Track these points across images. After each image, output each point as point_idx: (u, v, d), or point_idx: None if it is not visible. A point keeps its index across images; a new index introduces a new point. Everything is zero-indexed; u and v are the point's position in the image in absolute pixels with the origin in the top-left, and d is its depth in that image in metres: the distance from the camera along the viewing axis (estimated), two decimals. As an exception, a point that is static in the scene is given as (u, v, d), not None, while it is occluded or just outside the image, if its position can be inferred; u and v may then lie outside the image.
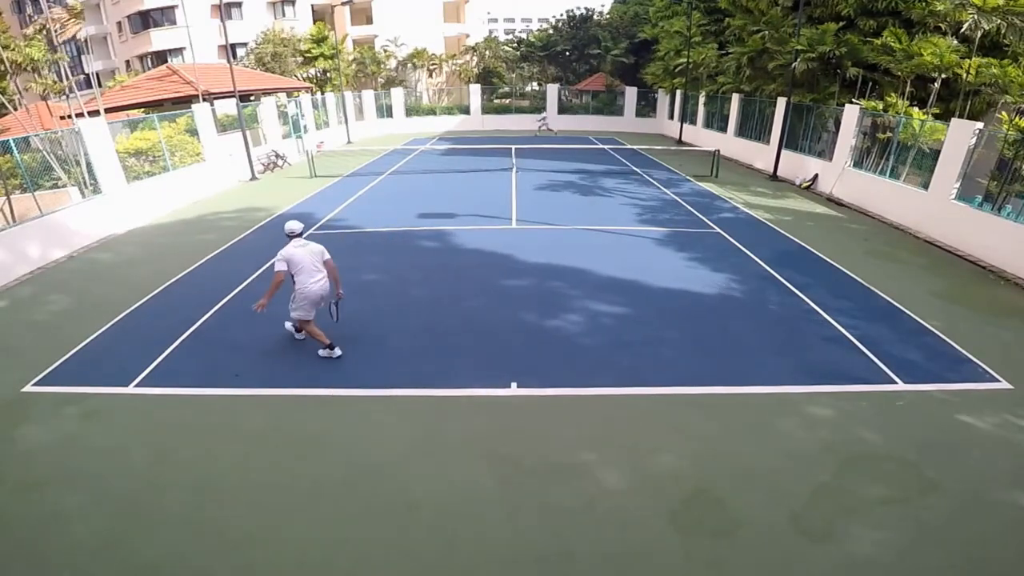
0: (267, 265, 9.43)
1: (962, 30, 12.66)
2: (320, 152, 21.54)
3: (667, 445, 4.93)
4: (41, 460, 4.83)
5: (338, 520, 4.12)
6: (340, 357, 6.30)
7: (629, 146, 23.93)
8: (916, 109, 13.16)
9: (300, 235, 6.20)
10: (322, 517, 4.14)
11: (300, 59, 30.67)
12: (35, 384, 5.98)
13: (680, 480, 4.49)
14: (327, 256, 6.19)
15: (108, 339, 6.99)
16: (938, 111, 13.31)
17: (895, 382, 5.87)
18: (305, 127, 23.05)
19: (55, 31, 14.03)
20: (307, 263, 5.95)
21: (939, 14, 13.05)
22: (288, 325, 6.69)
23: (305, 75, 30.69)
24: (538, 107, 32.60)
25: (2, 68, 14.40)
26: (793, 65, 15.99)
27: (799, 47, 15.75)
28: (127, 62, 39.44)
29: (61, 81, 14.90)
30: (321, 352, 6.34)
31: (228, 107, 18.20)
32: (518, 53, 38.07)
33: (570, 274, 8.88)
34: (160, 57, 35.62)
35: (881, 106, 13.66)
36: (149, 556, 3.82)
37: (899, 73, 13.93)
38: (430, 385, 5.84)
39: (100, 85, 25.78)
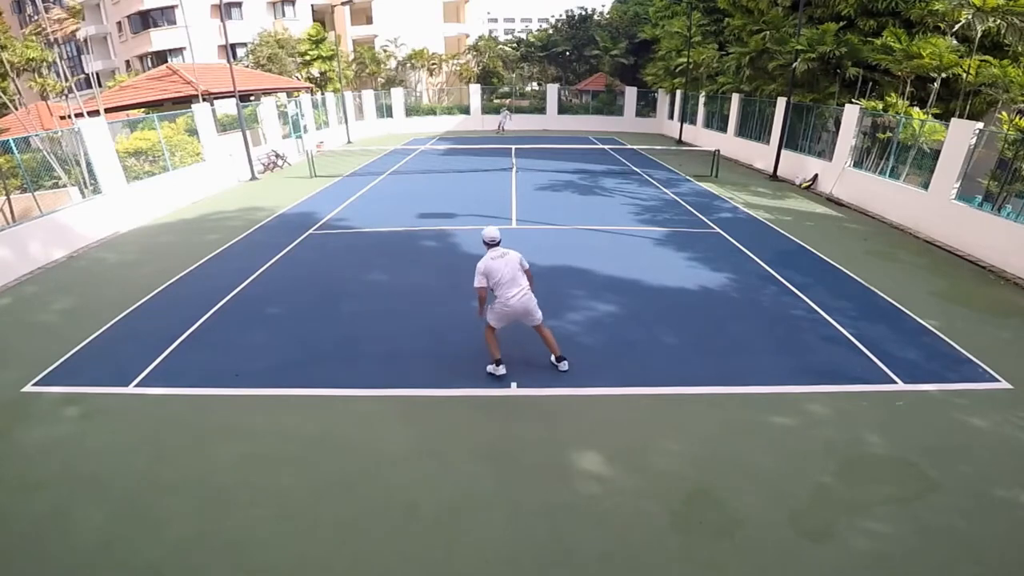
0: (267, 266, 9.44)
1: (955, 29, 12.67)
2: (320, 152, 21.56)
3: (667, 445, 4.93)
4: (41, 460, 4.83)
5: (337, 520, 4.12)
6: (503, 376, 5.86)
7: (629, 146, 23.94)
8: (916, 109, 13.16)
9: (499, 243, 5.66)
10: (322, 517, 4.14)
11: (299, 60, 30.65)
12: (35, 384, 5.98)
13: (680, 480, 4.49)
14: (526, 264, 5.72)
15: (108, 339, 6.99)
16: (938, 111, 13.31)
17: (895, 382, 5.87)
18: (305, 127, 23.05)
19: (52, 31, 14.02)
20: (506, 274, 5.49)
21: (938, 14, 13.05)
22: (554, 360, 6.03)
23: (305, 76, 30.68)
24: (538, 107, 32.60)
25: (1, 69, 14.39)
26: (793, 65, 15.99)
27: (799, 47, 15.76)
28: (127, 62, 39.45)
29: (60, 81, 14.91)
30: (489, 368, 5.93)
31: (228, 107, 18.21)
32: (518, 53, 38.08)
33: (570, 274, 8.88)
34: (160, 57, 35.63)
35: (881, 106, 13.66)
36: (149, 556, 3.82)
37: (899, 73, 13.93)
38: (430, 385, 5.84)
39: (100, 85, 25.78)
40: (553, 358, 6.05)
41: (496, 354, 5.92)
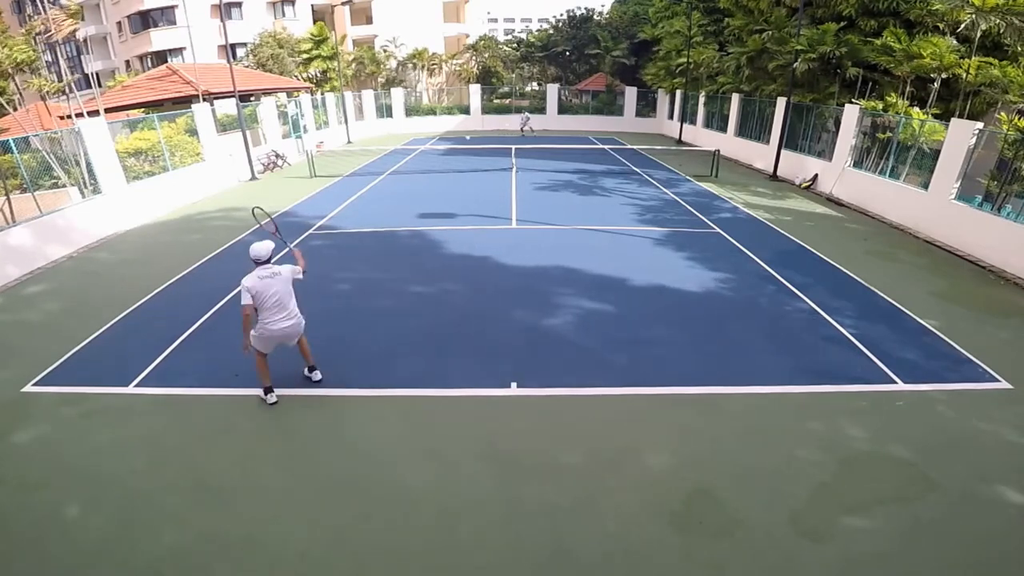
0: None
1: (958, 29, 12.67)
2: (320, 152, 21.55)
3: (667, 445, 4.93)
4: (41, 460, 4.83)
5: (338, 520, 4.12)
6: (275, 404, 5.45)
7: (629, 146, 23.94)
8: (916, 109, 13.16)
9: (267, 261, 5.13)
10: (322, 517, 4.14)
11: (299, 60, 30.64)
12: (35, 384, 5.98)
13: (680, 480, 4.49)
14: (299, 274, 5.34)
15: (108, 339, 6.99)
16: (938, 111, 13.31)
17: (895, 382, 5.88)
18: (305, 127, 23.05)
19: (54, 31, 14.01)
20: (270, 298, 5.01)
21: (938, 14, 13.06)
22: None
23: (305, 75, 30.67)
24: (538, 107, 32.58)
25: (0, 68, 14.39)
26: (793, 65, 15.99)
27: (799, 47, 15.75)
28: (127, 62, 39.43)
29: (57, 81, 14.90)
30: (260, 392, 5.48)
31: (228, 107, 18.20)
32: (518, 53, 38.07)
33: (570, 274, 8.88)
34: (160, 57, 35.61)
35: (881, 106, 13.66)
36: (149, 556, 3.82)
37: (899, 73, 13.93)
38: (430, 385, 5.84)
39: (100, 85, 25.78)
40: (306, 369, 5.81)
41: (266, 381, 5.41)
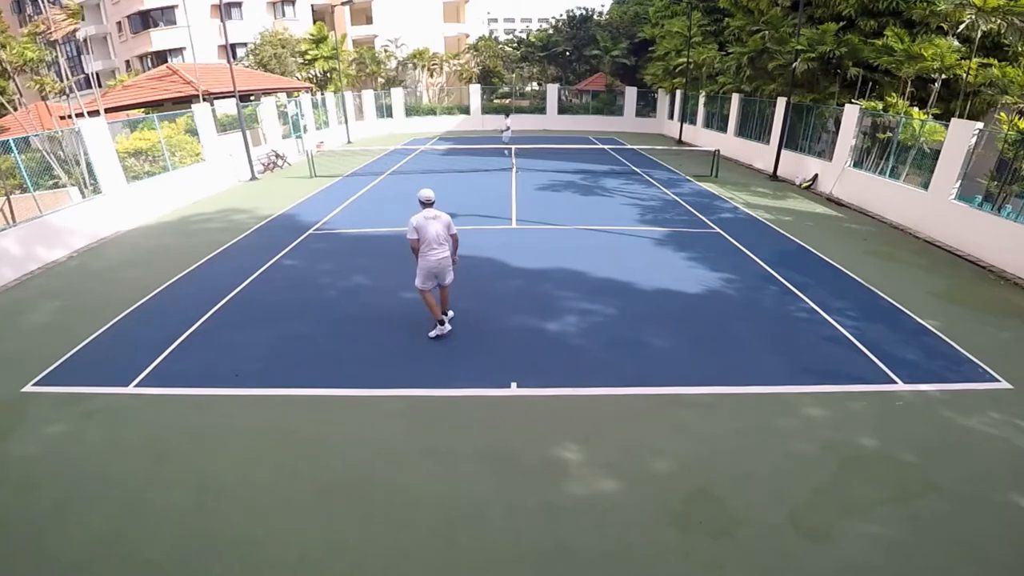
0: (267, 265, 9.45)
1: (959, 29, 12.67)
2: (320, 152, 21.55)
3: (667, 445, 4.93)
4: (41, 460, 4.83)
5: (338, 520, 4.12)
6: (447, 334, 6.69)
7: (629, 146, 23.93)
8: (916, 109, 13.16)
9: (432, 204, 6.28)
10: (322, 517, 4.14)
11: (300, 60, 30.66)
12: (35, 384, 5.98)
13: (680, 480, 4.49)
14: (454, 229, 6.41)
15: (108, 339, 6.99)
16: (938, 111, 13.31)
17: (895, 382, 5.88)
18: (305, 127, 23.06)
19: (53, 30, 14.01)
20: (431, 234, 6.20)
21: (940, 14, 13.05)
22: (431, 333, 6.78)
23: (305, 76, 30.67)
24: (539, 107, 32.51)
25: (1, 68, 14.38)
26: (793, 65, 15.99)
27: (799, 47, 15.75)
28: (127, 62, 39.46)
29: (61, 81, 14.89)
30: (431, 333, 6.69)
31: (228, 107, 18.21)
32: (518, 53, 38.08)
33: (570, 274, 8.88)
34: (160, 57, 35.65)
35: (881, 106, 13.65)
36: (149, 556, 3.82)
37: (902, 75, 13.93)
38: (430, 385, 5.84)
39: (100, 85, 25.79)
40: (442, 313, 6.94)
41: (438, 315, 6.62)
